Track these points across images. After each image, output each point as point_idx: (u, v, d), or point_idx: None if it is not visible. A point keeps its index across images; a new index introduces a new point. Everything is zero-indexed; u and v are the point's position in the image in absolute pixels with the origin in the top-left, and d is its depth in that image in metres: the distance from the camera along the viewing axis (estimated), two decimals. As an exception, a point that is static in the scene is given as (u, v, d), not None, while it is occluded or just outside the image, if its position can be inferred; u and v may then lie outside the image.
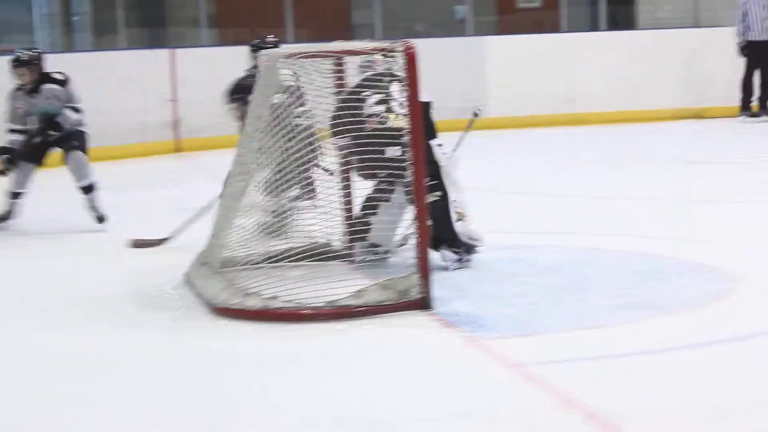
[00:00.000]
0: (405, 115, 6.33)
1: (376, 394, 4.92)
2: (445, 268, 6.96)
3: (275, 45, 9.36)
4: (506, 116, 14.59)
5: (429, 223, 6.61)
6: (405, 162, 6.34)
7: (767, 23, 14.87)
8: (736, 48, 14.97)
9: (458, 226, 7.03)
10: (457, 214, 7.04)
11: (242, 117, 8.57)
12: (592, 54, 15.17)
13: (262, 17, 15.23)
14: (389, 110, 6.89)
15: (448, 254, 7.03)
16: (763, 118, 15.00)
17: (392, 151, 6.72)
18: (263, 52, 7.58)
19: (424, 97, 6.40)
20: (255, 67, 8.77)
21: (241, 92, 8.88)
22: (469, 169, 7.91)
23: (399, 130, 6.55)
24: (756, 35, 14.88)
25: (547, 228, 7.96)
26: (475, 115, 7.45)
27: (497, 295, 6.47)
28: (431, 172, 6.71)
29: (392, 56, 6.24)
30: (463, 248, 7.06)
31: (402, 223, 7.07)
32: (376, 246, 7.10)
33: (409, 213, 6.60)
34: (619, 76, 15.19)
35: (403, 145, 6.45)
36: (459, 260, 7.04)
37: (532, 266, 7.08)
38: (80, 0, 17.13)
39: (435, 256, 6.66)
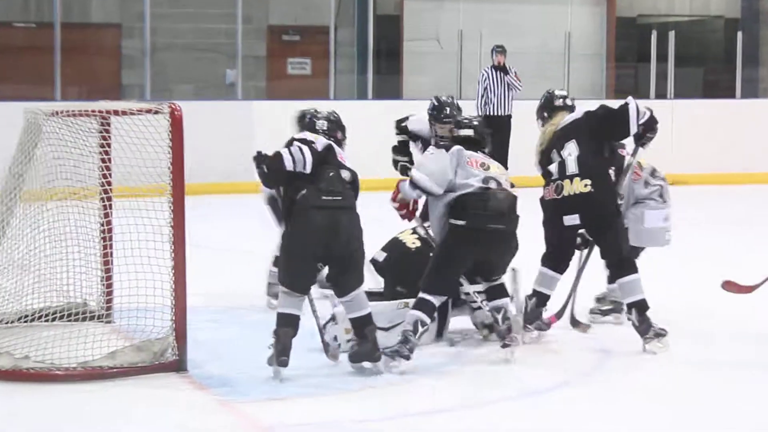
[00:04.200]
0: None
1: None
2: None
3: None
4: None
5: None
6: None
7: (505, 100, 14.96)
8: None
9: None
10: None
11: None
12: (360, 121, 15.07)
13: (32, 74, 14.69)
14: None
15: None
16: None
17: None
18: (28, 107, 6.84)
19: None
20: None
21: None
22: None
23: None
24: (494, 110, 14.98)
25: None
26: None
27: (252, 360, 6.03)
28: None
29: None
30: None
31: None
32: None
33: None
34: (383, 141, 15.16)
35: None
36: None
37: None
38: None
39: (191, 320, 6.07)
